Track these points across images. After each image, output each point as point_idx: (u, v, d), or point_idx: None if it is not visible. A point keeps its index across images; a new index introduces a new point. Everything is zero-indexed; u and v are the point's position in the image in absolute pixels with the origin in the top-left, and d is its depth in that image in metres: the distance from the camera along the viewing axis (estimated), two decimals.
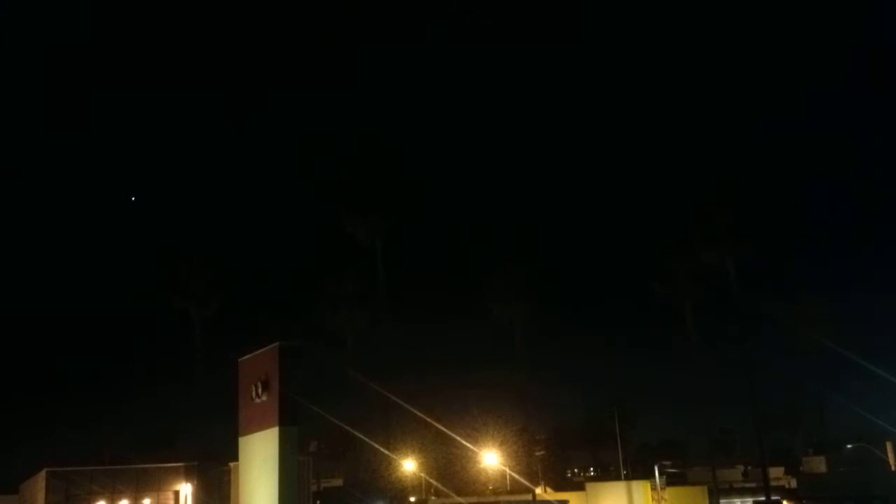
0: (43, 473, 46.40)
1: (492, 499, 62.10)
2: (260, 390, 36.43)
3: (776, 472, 66.64)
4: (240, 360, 39.83)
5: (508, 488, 64.72)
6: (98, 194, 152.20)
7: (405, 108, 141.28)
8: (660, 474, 58.73)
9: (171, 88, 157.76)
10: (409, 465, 63.55)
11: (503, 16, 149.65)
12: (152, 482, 47.32)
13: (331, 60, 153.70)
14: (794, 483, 62.41)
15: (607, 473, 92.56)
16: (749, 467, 71.10)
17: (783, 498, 56.92)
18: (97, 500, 45.98)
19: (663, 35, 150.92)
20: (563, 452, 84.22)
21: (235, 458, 40.30)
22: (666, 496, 58.50)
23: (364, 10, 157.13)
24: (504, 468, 64.30)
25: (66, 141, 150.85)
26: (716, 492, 59.81)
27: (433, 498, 64.97)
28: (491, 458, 62.65)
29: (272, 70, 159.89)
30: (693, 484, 63.97)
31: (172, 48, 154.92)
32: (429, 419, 58.86)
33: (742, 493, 60.97)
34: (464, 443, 61.02)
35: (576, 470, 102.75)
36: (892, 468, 59.67)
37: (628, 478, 67.57)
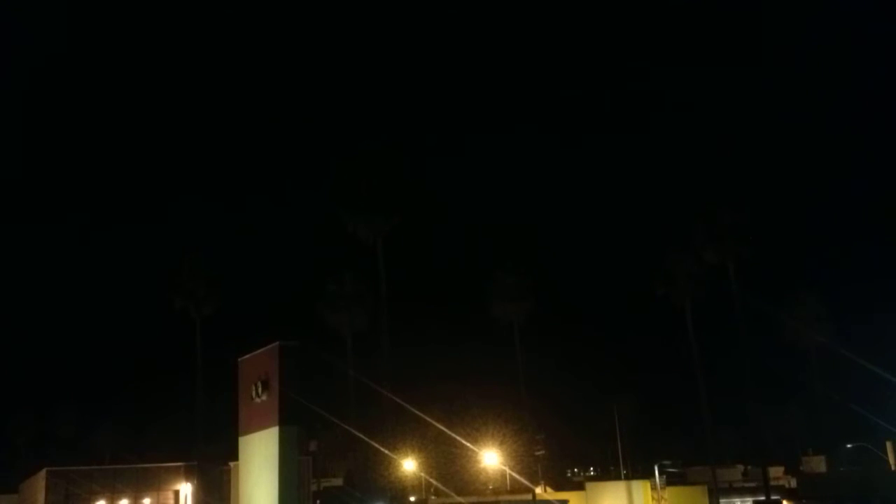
0: (43, 473, 46.45)
1: (492, 498, 62.03)
2: (260, 390, 36.43)
3: (776, 472, 66.56)
4: (240, 359, 39.82)
5: (508, 488, 64.67)
6: (96, 192, 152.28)
7: (403, 107, 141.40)
8: (660, 474, 58.70)
9: (179, 84, 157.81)
10: (409, 465, 63.52)
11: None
12: (152, 482, 47.37)
13: (330, 56, 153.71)
14: (794, 483, 62.38)
15: (607, 473, 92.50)
16: (749, 467, 70.97)
17: (783, 498, 56.89)
18: (97, 500, 46.00)
19: (659, 33, 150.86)
20: (562, 452, 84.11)
21: (235, 457, 40.29)
22: (666, 496, 58.47)
23: None
24: (504, 468, 64.27)
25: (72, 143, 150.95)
26: (716, 491, 59.77)
27: (433, 498, 64.92)
28: (491, 458, 62.62)
29: (271, 70, 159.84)
30: (693, 483, 63.92)
31: (176, 43, 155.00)
32: (429, 419, 58.81)
33: (742, 492, 60.91)
34: (464, 442, 60.97)
35: (576, 469, 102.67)
36: (892, 468, 59.65)
37: (628, 477, 67.54)
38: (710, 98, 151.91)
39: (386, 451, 55.64)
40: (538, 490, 59.82)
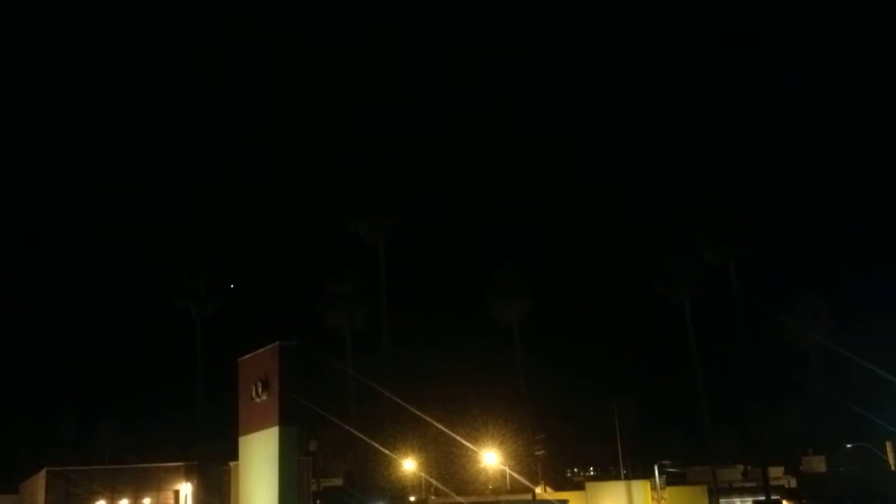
0: (43, 473, 46.41)
1: (492, 498, 62.05)
2: (260, 390, 36.47)
3: (776, 472, 66.52)
4: (240, 359, 39.85)
5: (508, 488, 64.68)
6: (97, 192, 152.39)
7: (403, 106, 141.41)
8: (659, 474, 58.69)
9: (180, 84, 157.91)
10: (409, 465, 63.55)
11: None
12: (152, 482, 47.30)
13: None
14: (794, 483, 62.35)
15: (607, 473, 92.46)
16: (749, 467, 70.94)
17: (783, 498, 56.88)
18: (97, 500, 45.95)
19: (658, 33, 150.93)
20: (562, 452, 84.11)
21: (235, 457, 40.29)
22: (665, 496, 58.46)
23: None
24: (504, 468, 64.27)
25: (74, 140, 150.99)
26: (715, 491, 59.75)
27: (433, 497, 64.91)
28: (491, 458, 62.60)
29: (271, 69, 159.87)
30: (693, 483, 63.90)
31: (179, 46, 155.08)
32: (429, 418, 58.80)
33: (742, 492, 60.88)
34: (464, 442, 60.98)
35: (575, 469, 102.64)
36: (892, 468, 59.62)
37: (628, 477, 67.52)
38: (710, 97, 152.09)
39: (386, 451, 55.67)
40: (538, 490, 59.80)
